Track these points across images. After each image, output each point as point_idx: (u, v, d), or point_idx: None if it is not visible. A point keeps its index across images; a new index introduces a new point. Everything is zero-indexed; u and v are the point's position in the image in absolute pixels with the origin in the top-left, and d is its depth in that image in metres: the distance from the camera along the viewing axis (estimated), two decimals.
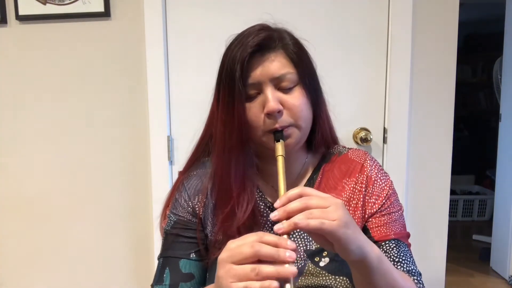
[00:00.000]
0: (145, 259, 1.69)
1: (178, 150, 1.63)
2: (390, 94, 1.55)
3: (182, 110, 1.61)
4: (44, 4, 1.57)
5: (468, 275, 2.66)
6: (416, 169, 1.60)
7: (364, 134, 1.55)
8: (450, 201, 1.66)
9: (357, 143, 1.56)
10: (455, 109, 1.58)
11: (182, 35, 1.57)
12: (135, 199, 1.67)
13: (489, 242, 2.82)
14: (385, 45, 1.54)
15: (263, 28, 0.78)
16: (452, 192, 3.50)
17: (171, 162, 1.63)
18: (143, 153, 1.63)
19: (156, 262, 0.84)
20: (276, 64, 0.75)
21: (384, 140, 1.58)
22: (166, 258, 0.81)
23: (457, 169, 1.86)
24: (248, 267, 0.55)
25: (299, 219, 0.58)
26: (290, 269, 0.55)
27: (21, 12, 1.58)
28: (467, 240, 3.26)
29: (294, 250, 0.57)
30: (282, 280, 0.55)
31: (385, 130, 1.58)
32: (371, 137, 1.56)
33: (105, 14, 1.56)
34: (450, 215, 1.66)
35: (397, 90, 1.54)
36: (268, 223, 0.80)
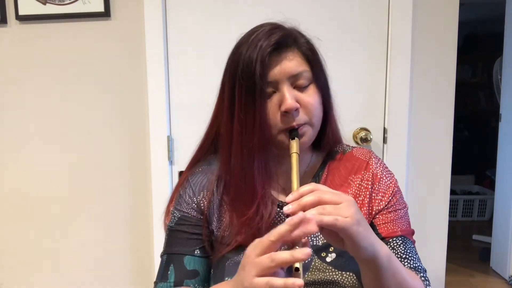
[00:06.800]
0: (145, 259, 1.69)
1: (178, 150, 1.63)
2: (390, 94, 1.55)
3: (182, 110, 1.60)
4: (44, 4, 1.57)
5: (468, 275, 2.66)
6: (416, 169, 1.60)
7: (364, 134, 1.55)
8: (450, 201, 1.66)
9: (357, 143, 1.56)
10: (455, 109, 1.58)
11: (182, 35, 1.57)
12: (135, 199, 1.67)
13: (489, 242, 2.82)
14: (385, 45, 1.54)
15: (277, 27, 0.77)
16: (452, 192, 3.50)
17: (171, 162, 1.63)
18: (143, 153, 1.63)
19: (156, 262, 0.83)
20: (293, 63, 0.76)
21: (384, 140, 1.58)
22: (170, 255, 0.80)
23: (457, 169, 1.86)
24: (265, 257, 0.57)
25: (312, 214, 0.57)
26: (303, 250, 0.56)
27: (21, 12, 1.58)
28: (467, 240, 3.26)
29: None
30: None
31: (385, 130, 1.58)
32: (371, 137, 1.56)
33: (105, 14, 1.56)
34: (450, 215, 1.66)
35: (397, 90, 1.54)
36: (280, 221, 0.80)
